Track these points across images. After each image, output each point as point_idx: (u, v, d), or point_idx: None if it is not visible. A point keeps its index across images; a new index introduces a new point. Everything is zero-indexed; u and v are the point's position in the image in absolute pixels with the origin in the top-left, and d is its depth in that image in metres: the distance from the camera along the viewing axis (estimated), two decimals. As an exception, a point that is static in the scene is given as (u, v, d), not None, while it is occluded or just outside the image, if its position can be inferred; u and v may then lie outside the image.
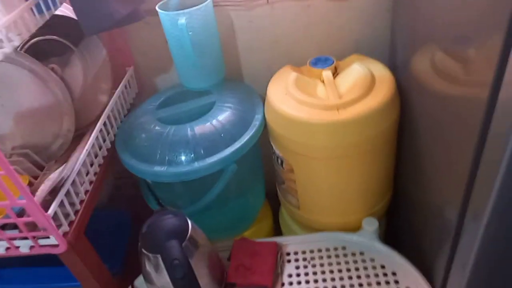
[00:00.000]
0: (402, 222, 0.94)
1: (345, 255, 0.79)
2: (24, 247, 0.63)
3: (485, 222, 0.52)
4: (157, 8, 0.81)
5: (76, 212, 0.68)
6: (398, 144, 0.84)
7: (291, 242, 0.83)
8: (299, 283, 0.75)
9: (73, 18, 0.78)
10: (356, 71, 0.80)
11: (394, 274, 0.74)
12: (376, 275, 0.74)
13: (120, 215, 0.99)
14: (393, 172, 0.88)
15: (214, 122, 0.79)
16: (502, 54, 0.43)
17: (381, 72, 0.80)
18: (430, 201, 0.73)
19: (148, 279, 0.69)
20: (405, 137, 0.82)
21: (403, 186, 0.89)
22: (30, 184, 0.69)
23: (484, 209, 0.51)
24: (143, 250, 0.65)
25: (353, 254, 0.79)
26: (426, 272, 0.73)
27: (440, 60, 0.61)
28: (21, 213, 0.60)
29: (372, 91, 0.75)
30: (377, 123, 0.74)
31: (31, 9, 0.62)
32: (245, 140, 0.78)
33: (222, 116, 0.81)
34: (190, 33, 0.79)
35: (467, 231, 0.57)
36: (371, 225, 0.82)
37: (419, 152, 0.75)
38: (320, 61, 0.85)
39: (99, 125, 0.78)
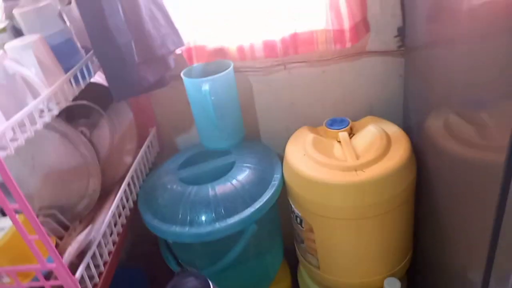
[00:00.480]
0: (424, 282, 0.92)
1: (367, 319, 0.77)
2: (49, 311, 0.63)
3: (511, 285, 0.51)
4: (182, 75, 0.86)
5: (100, 274, 0.68)
6: (417, 204, 0.85)
7: (311, 305, 0.82)
8: None
9: (102, 84, 0.83)
10: (371, 133, 0.83)
11: None
12: None
13: (138, 274, 0.98)
14: (412, 231, 0.88)
15: (234, 182, 0.81)
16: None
17: (396, 133, 0.83)
18: (452, 262, 0.72)
19: None
20: (423, 198, 0.83)
21: (424, 246, 0.89)
22: (56, 245, 0.71)
23: (509, 272, 0.51)
24: (166, 314, 0.64)
25: (376, 318, 0.77)
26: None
27: (454, 124, 0.64)
28: (48, 275, 0.61)
29: (389, 152, 0.78)
30: (395, 184, 0.75)
31: (70, 80, 0.67)
32: (265, 200, 0.80)
33: (242, 176, 0.83)
34: (212, 98, 0.83)
35: (493, 294, 0.57)
36: (392, 286, 0.80)
37: (438, 213, 0.75)
38: (336, 122, 0.88)
39: (124, 185, 0.80)
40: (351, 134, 0.87)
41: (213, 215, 0.77)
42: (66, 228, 0.76)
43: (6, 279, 0.59)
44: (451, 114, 0.65)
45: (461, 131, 0.62)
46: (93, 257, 0.66)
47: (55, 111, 0.62)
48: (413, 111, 0.88)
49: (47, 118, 0.60)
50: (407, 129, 0.86)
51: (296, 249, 0.96)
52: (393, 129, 0.84)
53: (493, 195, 0.51)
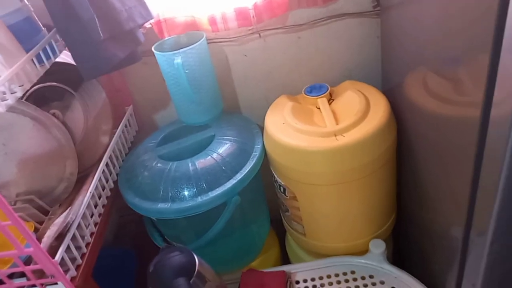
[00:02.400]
0: (408, 242, 0.94)
1: (354, 279, 0.79)
2: (32, 295, 0.62)
3: (490, 238, 0.52)
4: (153, 49, 0.83)
5: (82, 256, 0.68)
6: (398, 166, 0.85)
7: (299, 270, 0.83)
8: (310, 312, 0.75)
9: (72, 64, 0.80)
10: (351, 97, 0.82)
11: (405, 296, 0.74)
12: (388, 299, 0.74)
13: (125, 253, 0.98)
14: (395, 193, 0.89)
15: (215, 155, 0.80)
16: (490, 73, 0.45)
17: (375, 96, 0.82)
18: (434, 220, 0.73)
19: (158, 319, 0.68)
20: (404, 159, 0.83)
21: (407, 206, 0.90)
22: (36, 230, 0.70)
23: (488, 225, 0.51)
24: (152, 290, 0.64)
25: (363, 278, 0.79)
26: (437, 291, 0.73)
27: (432, 81, 0.63)
28: (28, 260, 0.60)
29: (368, 115, 0.77)
30: (375, 147, 0.75)
31: (32, 60, 0.64)
32: (246, 171, 0.79)
33: (222, 149, 0.82)
34: (186, 71, 0.81)
35: (473, 248, 0.58)
36: (378, 247, 0.81)
37: (419, 173, 0.76)
38: (315, 89, 0.87)
39: (101, 166, 0.79)
40: (330, 99, 0.86)
41: (195, 189, 0.76)
42: (46, 212, 0.75)
43: (-16, 267, 0.59)
44: (428, 72, 0.64)
45: (438, 89, 0.61)
46: (74, 239, 0.65)
47: (19, 93, 0.60)
48: (391, 73, 0.87)
49: (10, 100, 0.57)
50: (386, 91, 0.85)
51: (282, 217, 0.97)
52: (372, 92, 0.84)
53: (470, 151, 0.52)
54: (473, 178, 0.53)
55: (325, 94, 0.85)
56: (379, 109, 0.78)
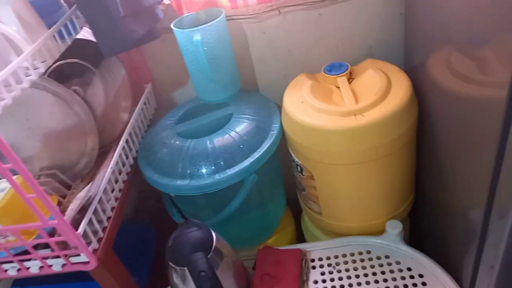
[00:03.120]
0: (426, 224, 0.94)
1: (370, 259, 0.79)
2: (56, 266, 0.65)
3: (511, 221, 0.52)
4: (172, 26, 0.83)
5: (104, 229, 0.70)
6: (418, 147, 0.84)
7: (315, 248, 0.84)
8: (325, 289, 0.76)
9: (92, 41, 0.81)
10: (371, 76, 0.81)
11: (421, 276, 0.74)
12: (403, 278, 0.74)
13: (145, 229, 1.01)
14: (414, 174, 0.88)
15: (233, 133, 0.81)
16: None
17: (397, 75, 0.80)
18: (453, 202, 0.72)
19: (176, 291, 0.70)
20: (424, 140, 0.82)
21: (425, 187, 0.89)
22: (59, 203, 0.72)
23: (509, 208, 0.51)
24: (170, 263, 0.66)
25: (378, 258, 0.79)
26: (453, 273, 0.72)
27: (457, 61, 0.61)
28: (52, 232, 0.62)
29: (389, 95, 0.75)
30: (395, 127, 0.74)
31: (54, 36, 0.65)
32: (263, 150, 0.79)
33: (240, 128, 0.82)
34: (205, 48, 0.80)
35: (493, 231, 0.57)
36: (394, 228, 0.81)
37: (440, 154, 0.74)
38: (334, 68, 0.85)
39: (121, 142, 0.80)
40: (350, 78, 0.84)
41: (213, 167, 0.77)
42: (68, 187, 0.77)
43: (11, 237, 0.61)
44: (453, 51, 0.62)
45: (463, 68, 0.59)
46: (96, 212, 0.67)
47: (42, 69, 0.61)
48: (414, 51, 0.84)
49: (33, 76, 0.58)
50: (409, 70, 0.83)
51: (298, 197, 0.97)
52: (394, 71, 0.82)
53: (495, 133, 0.50)
54: (496, 160, 0.52)
55: (345, 73, 0.83)
56: (401, 89, 0.76)
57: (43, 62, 0.62)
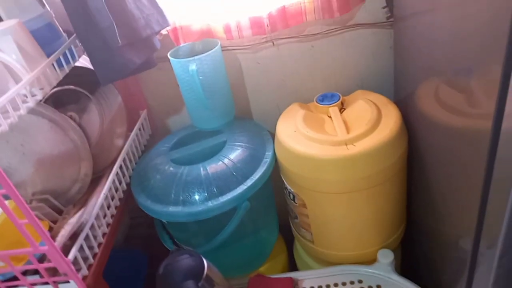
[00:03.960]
0: (417, 252, 0.94)
1: (362, 289, 0.79)
2: (45, 293, 0.64)
3: (499, 252, 0.52)
4: (168, 55, 0.85)
5: (94, 255, 0.69)
6: (409, 176, 0.85)
7: (306, 277, 0.83)
8: (317, 320, 0.75)
9: (89, 68, 0.82)
10: (362, 106, 0.83)
11: (412, 307, 0.73)
12: (394, 309, 0.74)
13: (136, 255, 1.00)
14: (405, 203, 0.89)
15: (226, 161, 0.82)
16: (502, 85, 0.45)
17: (387, 106, 0.82)
18: (444, 231, 0.73)
19: (166, 321, 0.69)
20: (414, 169, 0.83)
21: (416, 216, 0.89)
22: (50, 228, 0.72)
23: (497, 238, 0.51)
24: (161, 292, 0.65)
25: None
26: (445, 304, 0.72)
27: (443, 92, 0.64)
28: (41, 258, 0.62)
29: (379, 125, 0.77)
30: (386, 157, 0.75)
31: (52, 64, 0.66)
32: (257, 177, 0.80)
33: (234, 155, 0.83)
34: (200, 77, 0.82)
35: (482, 260, 0.57)
36: (386, 257, 0.81)
37: (430, 183, 0.76)
38: (326, 98, 0.87)
39: (115, 168, 0.81)
40: (342, 108, 0.87)
41: (206, 194, 0.78)
42: (60, 212, 0.77)
43: (0, 263, 0.60)
44: (440, 83, 0.65)
45: (449, 100, 0.62)
46: (87, 239, 0.67)
47: (39, 96, 0.62)
48: (403, 83, 0.87)
49: (30, 103, 0.60)
50: (398, 101, 0.86)
51: (291, 224, 0.97)
52: (384, 102, 0.84)
53: (481, 163, 0.52)
54: (483, 190, 0.53)
55: (336, 103, 0.85)
56: (391, 119, 0.78)
57: (41, 89, 0.63)
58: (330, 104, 0.85)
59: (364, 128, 0.76)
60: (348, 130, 0.79)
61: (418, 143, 0.78)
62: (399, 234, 0.89)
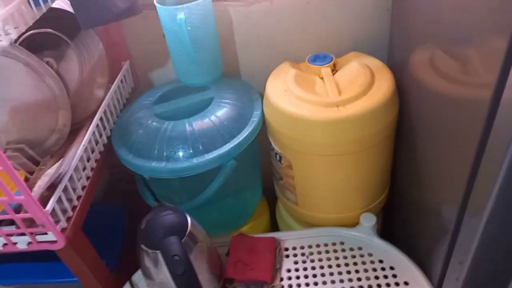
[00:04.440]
0: (399, 218, 0.95)
1: (343, 250, 0.80)
2: (21, 243, 0.62)
3: (484, 220, 0.52)
4: (155, 2, 0.80)
5: (73, 208, 0.67)
6: (396, 141, 0.85)
7: (289, 238, 0.84)
8: (298, 277, 0.76)
9: (69, 11, 0.76)
10: (355, 68, 0.80)
11: (392, 268, 0.75)
12: (374, 270, 0.75)
13: (116, 211, 0.98)
14: (391, 168, 0.89)
15: (213, 118, 0.79)
16: (506, 56, 0.43)
17: (380, 69, 0.80)
18: (428, 198, 0.73)
19: (146, 275, 0.68)
20: (403, 135, 0.83)
21: (401, 182, 0.90)
22: (26, 179, 0.68)
23: (485, 208, 0.51)
24: (142, 246, 0.64)
25: (351, 249, 0.80)
26: (424, 267, 0.74)
27: (441, 60, 0.62)
28: (18, 209, 0.59)
29: (372, 88, 0.76)
30: (377, 121, 0.74)
31: (28, 1, 0.61)
32: (243, 136, 0.78)
33: (221, 112, 0.80)
34: (188, 28, 0.78)
35: (465, 229, 0.58)
36: (369, 221, 0.82)
37: (418, 150, 0.75)
38: (319, 58, 0.85)
39: (95, 119, 0.77)
40: (334, 70, 0.84)
41: (191, 150, 0.75)
42: (36, 163, 0.73)
43: (-27, 213, 0.58)
44: (438, 50, 0.63)
45: (446, 68, 0.60)
46: (65, 191, 0.64)
47: (13, 35, 0.57)
48: (399, 47, 0.85)
49: (4, 42, 0.55)
50: (392, 66, 0.83)
51: (275, 186, 0.97)
52: (378, 65, 0.82)
53: (475, 134, 0.51)
54: (474, 160, 0.53)
55: (329, 64, 0.83)
56: (384, 83, 0.77)
57: (15, 28, 0.58)
58: (323, 64, 0.83)
59: (356, 91, 0.74)
60: (339, 92, 0.77)
61: (409, 110, 0.77)
62: (383, 199, 0.90)
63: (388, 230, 0.98)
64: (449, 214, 0.62)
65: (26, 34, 0.77)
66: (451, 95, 0.59)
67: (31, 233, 0.60)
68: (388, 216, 0.99)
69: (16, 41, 0.76)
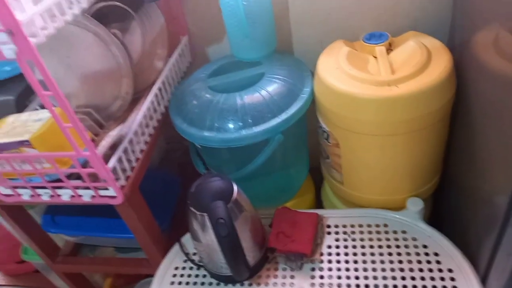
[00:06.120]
0: (447, 205, 0.92)
1: (386, 232, 0.79)
2: (86, 196, 0.69)
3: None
4: (214, -23, 0.82)
5: (132, 169, 0.72)
6: (451, 126, 0.82)
7: (332, 215, 0.84)
8: (338, 254, 0.77)
9: (134, -14, 0.81)
10: (411, 48, 0.78)
11: (436, 254, 0.73)
12: (418, 254, 0.74)
13: (170, 177, 1.04)
14: (443, 154, 0.86)
15: (263, 92, 0.81)
16: None
17: (439, 49, 0.77)
18: (480, 186, 0.71)
19: (194, 237, 0.73)
20: (459, 120, 0.79)
21: (453, 168, 0.87)
22: (92, 140, 0.75)
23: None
24: (191, 209, 0.69)
25: (395, 232, 0.79)
26: (470, 256, 0.72)
27: (505, 41, 0.58)
28: (84, 164, 0.65)
29: (428, 68, 0.73)
30: (430, 102, 0.72)
31: (99, -26, 0.66)
32: (292, 111, 0.79)
33: (271, 87, 0.82)
34: (244, 3, 0.80)
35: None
36: (416, 206, 0.81)
37: (473, 136, 0.72)
38: (374, 37, 0.83)
39: (154, 89, 0.82)
40: (389, 49, 0.82)
41: (240, 122, 0.78)
42: (101, 127, 0.80)
43: (46, 165, 0.65)
44: (502, 31, 0.59)
45: (509, 49, 0.56)
46: (125, 151, 0.70)
47: (84, 4, 0.62)
48: (461, 28, 0.81)
49: (76, 10, 0.60)
50: (453, 47, 0.80)
51: (321, 165, 0.97)
52: (436, 45, 0.79)
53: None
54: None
55: (384, 43, 0.81)
56: (441, 64, 0.74)
57: (87, -2, 0.63)
58: (378, 43, 0.81)
59: (410, 70, 0.72)
60: (393, 71, 0.75)
61: (468, 93, 0.74)
62: (432, 185, 0.88)
63: (437, 217, 0.96)
64: (500, 203, 0.59)
65: (95, 7, 0.83)
66: (512, 77, 0.56)
67: (95, 187, 0.67)
68: (438, 202, 0.96)
69: (86, 12, 0.83)
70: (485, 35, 0.66)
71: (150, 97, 0.80)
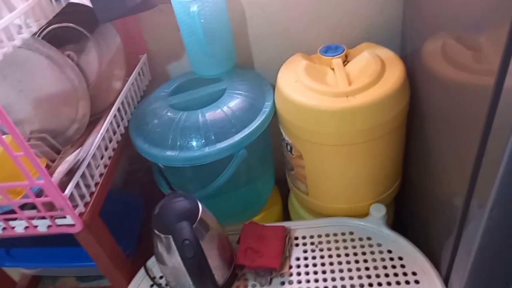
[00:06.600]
0: (409, 209, 0.95)
1: (352, 240, 0.81)
2: (42, 226, 0.66)
3: (488, 210, 0.53)
4: (169, -4, 0.82)
5: (91, 194, 0.70)
6: (407, 132, 0.85)
7: (299, 227, 0.85)
8: (306, 266, 0.77)
9: (88, 6, 0.80)
10: (366, 59, 0.81)
11: (400, 259, 0.75)
12: (383, 259, 0.76)
13: (133, 199, 1.01)
14: (402, 159, 0.89)
15: (225, 108, 0.81)
16: (507, 43, 0.43)
17: (392, 60, 0.80)
18: (437, 189, 0.73)
19: (160, 260, 0.71)
20: (413, 126, 0.83)
21: (411, 173, 0.90)
22: (47, 166, 0.72)
23: (488, 198, 0.52)
24: (155, 231, 0.67)
25: (360, 239, 0.80)
26: (432, 257, 0.74)
27: (450, 48, 0.61)
28: (39, 193, 0.63)
29: (382, 78, 0.76)
30: (386, 111, 0.75)
31: (48, -4, 0.64)
32: (254, 126, 0.80)
33: (233, 103, 0.82)
34: (202, 20, 0.80)
35: (472, 219, 0.58)
36: (378, 211, 0.83)
37: (427, 141, 0.75)
38: (330, 49, 0.85)
39: (113, 110, 0.80)
40: (345, 61, 0.84)
41: (203, 140, 0.78)
42: (58, 152, 0.77)
43: (-2, 196, 0.62)
44: (447, 39, 0.62)
45: (455, 56, 0.60)
46: (83, 177, 0.68)
47: (34, 28, 0.60)
48: (410, 37, 0.84)
49: (26, 34, 0.58)
50: (404, 56, 0.83)
51: (287, 176, 0.98)
52: (389, 55, 0.82)
53: (479, 123, 0.51)
54: (478, 150, 0.53)
55: (340, 55, 0.83)
56: (394, 73, 0.77)
57: (36, 21, 0.61)
58: (334, 55, 0.83)
59: (366, 81, 0.75)
60: (350, 82, 0.77)
61: (420, 100, 0.77)
62: (393, 190, 0.90)
63: (400, 222, 0.98)
64: (456, 204, 0.62)
65: (48, 29, 0.81)
66: (458, 83, 0.59)
67: (51, 217, 0.64)
68: (400, 207, 0.99)
69: (38, 34, 0.80)
70: (433, 44, 0.69)
71: (108, 118, 0.78)
